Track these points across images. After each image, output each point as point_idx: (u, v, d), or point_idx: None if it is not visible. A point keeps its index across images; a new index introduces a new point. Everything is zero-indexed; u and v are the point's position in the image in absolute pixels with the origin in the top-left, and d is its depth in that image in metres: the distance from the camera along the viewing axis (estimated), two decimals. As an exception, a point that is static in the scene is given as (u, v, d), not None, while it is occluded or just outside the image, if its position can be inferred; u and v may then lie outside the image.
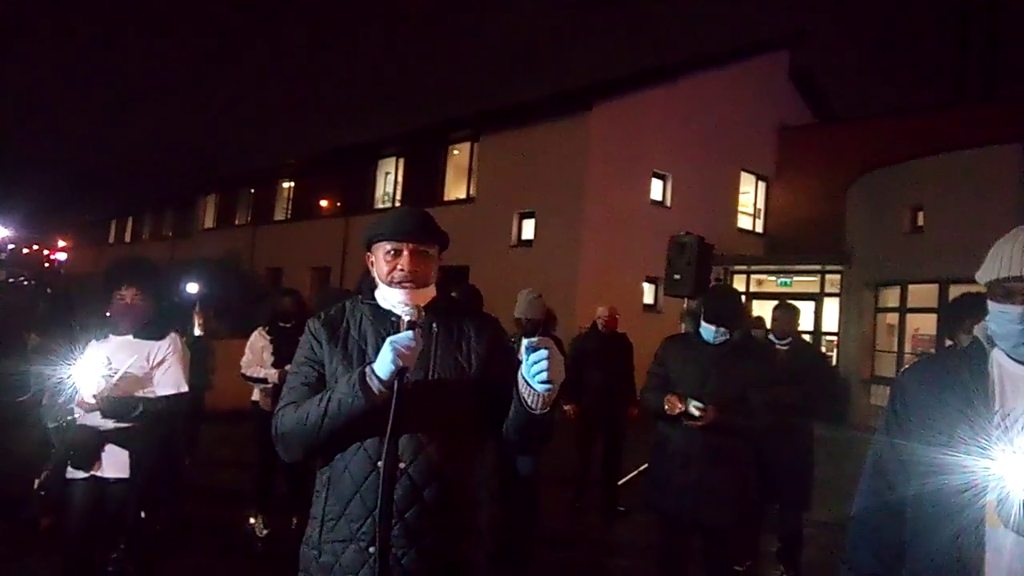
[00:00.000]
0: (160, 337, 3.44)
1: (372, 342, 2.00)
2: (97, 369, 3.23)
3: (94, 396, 3.18)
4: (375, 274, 2.09)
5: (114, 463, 3.34)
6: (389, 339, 1.84)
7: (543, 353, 1.73)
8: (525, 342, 1.75)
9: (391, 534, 1.86)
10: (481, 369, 2.02)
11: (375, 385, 1.82)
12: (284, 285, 19.18)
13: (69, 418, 3.34)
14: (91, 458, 3.32)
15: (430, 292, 2.07)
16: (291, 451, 1.97)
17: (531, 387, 1.78)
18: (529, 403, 1.81)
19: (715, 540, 3.63)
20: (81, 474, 3.35)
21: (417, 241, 2.03)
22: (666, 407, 3.52)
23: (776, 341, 5.16)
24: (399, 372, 1.81)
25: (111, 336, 3.41)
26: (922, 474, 1.66)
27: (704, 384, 3.55)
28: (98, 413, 3.26)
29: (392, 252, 2.02)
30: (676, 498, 3.55)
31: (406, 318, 1.90)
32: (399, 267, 2.01)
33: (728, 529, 3.60)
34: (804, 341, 5.57)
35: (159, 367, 3.39)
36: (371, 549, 1.86)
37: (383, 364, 1.82)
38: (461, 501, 1.98)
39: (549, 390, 1.77)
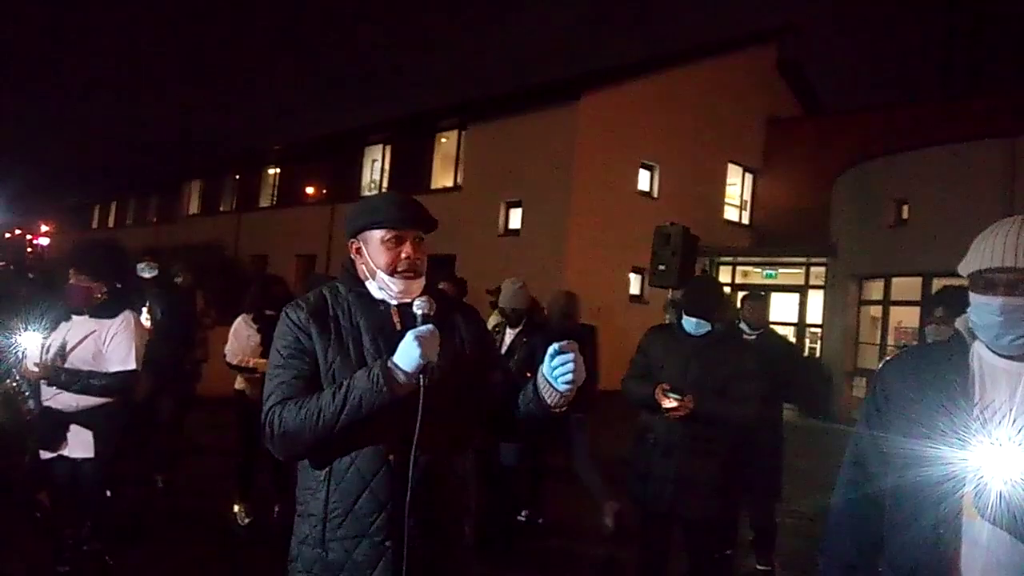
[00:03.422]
0: (113, 316, 3.54)
1: (367, 333, 1.95)
2: (40, 339, 3.39)
3: (36, 364, 3.34)
4: (366, 262, 2.01)
5: (79, 443, 3.46)
6: (412, 332, 1.81)
7: (570, 356, 1.79)
8: (554, 346, 1.81)
9: (408, 526, 1.85)
10: (472, 358, 2.03)
11: (401, 379, 1.79)
12: (270, 272, 19.07)
13: (12, 384, 3.49)
14: (56, 438, 3.45)
15: (423, 280, 2.04)
16: (293, 449, 1.89)
17: (553, 386, 1.83)
18: (548, 401, 1.86)
19: (695, 530, 3.64)
20: (51, 454, 3.50)
21: (418, 228, 2.00)
22: (659, 400, 3.51)
23: (747, 331, 5.18)
24: (425, 365, 1.80)
25: (73, 316, 3.55)
26: (901, 466, 1.66)
27: (685, 375, 3.56)
28: (57, 392, 3.42)
29: (393, 239, 1.97)
30: (657, 488, 3.56)
31: (419, 311, 1.86)
32: (403, 255, 1.96)
33: (708, 520, 3.61)
34: (774, 332, 5.58)
35: (109, 344, 3.50)
36: (387, 543, 1.84)
37: (408, 358, 1.78)
38: (460, 486, 2.02)
39: (571, 390, 1.83)
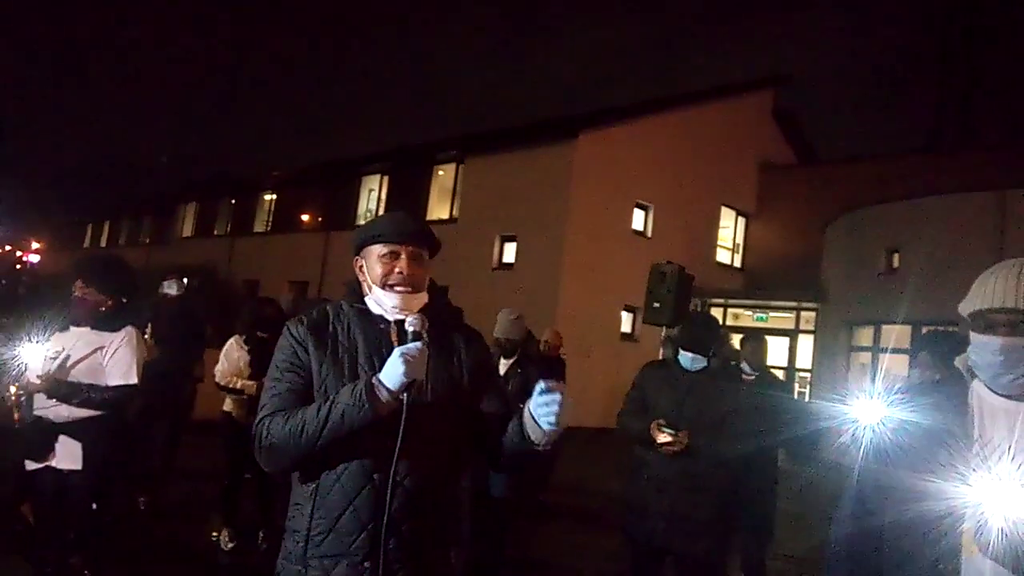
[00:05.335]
0: (116, 330, 3.52)
1: (363, 349, 1.95)
2: (43, 351, 3.36)
3: (39, 376, 3.29)
4: (366, 278, 2.03)
5: (67, 455, 3.40)
6: (398, 349, 1.80)
7: (557, 397, 1.77)
8: (541, 384, 1.79)
9: (388, 548, 1.82)
10: (470, 382, 2.02)
11: (384, 396, 1.78)
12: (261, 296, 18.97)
13: (5, 395, 3.40)
14: (44, 449, 3.39)
15: (423, 298, 2.04)
16: (278, 462, 1.89)
17: (537, 424, 1.81)
18: (532, 438, 1.84)
19: (687, 567, 3.61)
20: (38, 465, 3.43)
21: (415, 244, 2.01)
22: (654, 435, 3.50)
23: (747, 372, 5.18)
24: (409, 384, 1.79)
25: (71, 328, 3.51)
26: (900, 500, 1.67)
27: (681, 410, 3.55)
28: (51, 403, 3.36)
29: (389, 255, 1.98)
30: (650, 523, 3.53)
31: (410, 328, 1.86)
32: (396, 270, 1.97)
33: (699, 556, 3.58)
34: (772, 373, 5.59)
35: (111, 358, 3.47)
36: (366, 564, 1.81)
37: (393, 375, 1.78)
38: (450, 513, 1.98)
39: (555, 430, 1.80)
